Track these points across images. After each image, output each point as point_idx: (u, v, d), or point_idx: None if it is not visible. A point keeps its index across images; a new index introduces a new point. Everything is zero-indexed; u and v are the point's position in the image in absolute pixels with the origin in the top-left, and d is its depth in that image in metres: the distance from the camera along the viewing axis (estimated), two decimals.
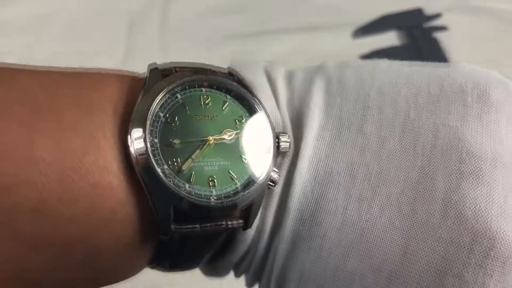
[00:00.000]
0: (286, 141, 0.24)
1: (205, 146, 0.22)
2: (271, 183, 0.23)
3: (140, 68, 0.24)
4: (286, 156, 0.24)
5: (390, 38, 0.58)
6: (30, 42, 0.52)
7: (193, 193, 0.21)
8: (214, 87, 0.24)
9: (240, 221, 0.23)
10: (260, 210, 0.24)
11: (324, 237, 0.23)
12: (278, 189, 0.24)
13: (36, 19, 0.54)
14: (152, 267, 0.25)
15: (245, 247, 0.24)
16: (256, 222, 0.24)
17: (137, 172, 0.20)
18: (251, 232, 0.24)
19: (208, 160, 0.22)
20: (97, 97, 0.21)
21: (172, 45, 0.58)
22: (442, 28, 0.62)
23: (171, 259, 0.24)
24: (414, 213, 0.22)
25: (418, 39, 0.61)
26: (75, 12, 0.56)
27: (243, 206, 0.22)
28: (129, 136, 0.20)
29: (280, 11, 0.60)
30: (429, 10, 0.63)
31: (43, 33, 0.53)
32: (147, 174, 0.20)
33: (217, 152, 0.22)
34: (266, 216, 0.24)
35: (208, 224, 0.22)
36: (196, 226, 0.22)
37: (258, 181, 0.23)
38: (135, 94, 0.22)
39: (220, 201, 0.22)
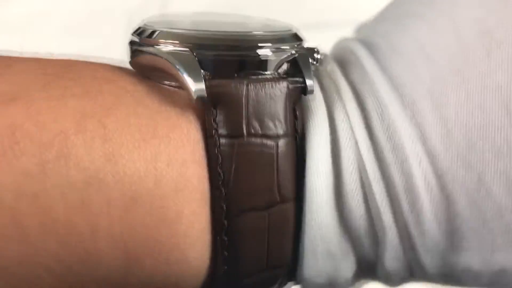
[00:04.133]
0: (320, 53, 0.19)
1: None
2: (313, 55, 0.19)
3: None
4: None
5: None
6: (28, 40, 0.51)
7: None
8: None
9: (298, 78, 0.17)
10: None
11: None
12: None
13: (34, 18, 0.53)
14: None
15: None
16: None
17: None
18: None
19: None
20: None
21: None
22: None
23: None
24: None
25: None
26: (73, 11, 0.55)
27: (284, 42, 0.18)
28: None
29: (281, 10, 0.60)
30: None
31: (41, 31, 0.52)
32: None
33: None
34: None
35: (254, 77, 0.16)
36: (238, 79, 0.16)
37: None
38: None
39: (251, 32, 0.18)
